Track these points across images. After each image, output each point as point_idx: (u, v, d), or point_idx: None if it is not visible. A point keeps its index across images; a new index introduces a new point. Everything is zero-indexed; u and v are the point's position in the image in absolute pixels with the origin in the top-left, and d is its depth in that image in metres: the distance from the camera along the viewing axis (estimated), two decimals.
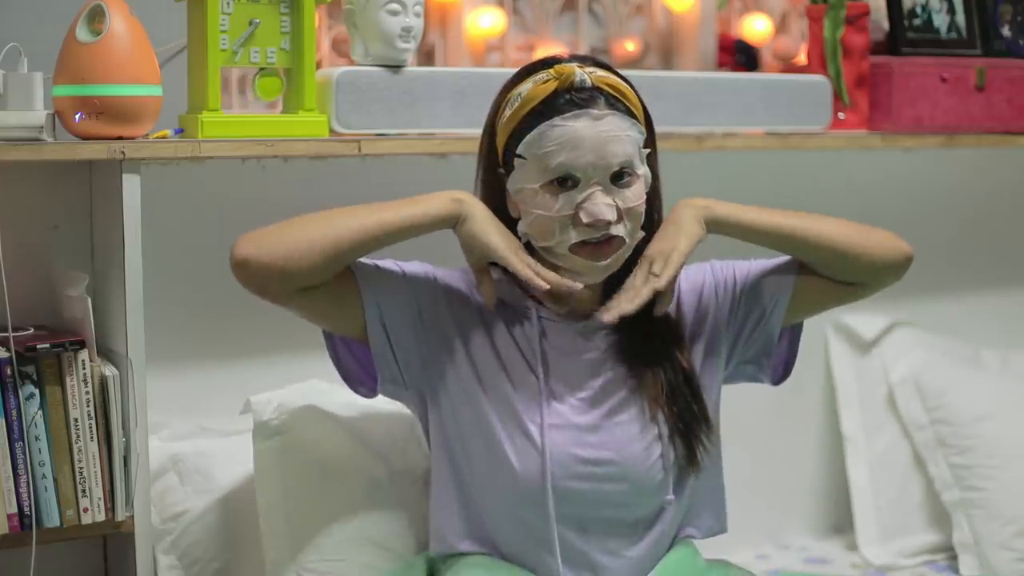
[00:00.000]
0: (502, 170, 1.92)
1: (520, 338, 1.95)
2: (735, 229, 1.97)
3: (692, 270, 2.05)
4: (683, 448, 1.95)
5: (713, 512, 2.05)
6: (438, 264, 2.01)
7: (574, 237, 1.87)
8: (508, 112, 1.91)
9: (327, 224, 1.86)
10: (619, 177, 1.87)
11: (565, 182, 1.86)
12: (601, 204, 1.85)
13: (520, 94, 1.90)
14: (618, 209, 1.86)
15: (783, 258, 2.05)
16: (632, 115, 1.89)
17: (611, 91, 1.88)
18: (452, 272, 2.00)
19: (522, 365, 1.94)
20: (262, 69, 2.12)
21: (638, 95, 1.93)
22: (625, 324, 1.94)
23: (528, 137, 1.87)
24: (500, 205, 1.94)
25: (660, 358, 1.96)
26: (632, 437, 1.93)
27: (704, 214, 1.95)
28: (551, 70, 1.89)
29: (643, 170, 1.90)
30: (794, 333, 2.10)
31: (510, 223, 1.93)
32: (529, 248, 1.93)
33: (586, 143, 1.85)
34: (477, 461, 1.93)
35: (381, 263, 1.95)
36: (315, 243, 1.85)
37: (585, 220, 1.85)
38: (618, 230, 1.87)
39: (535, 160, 1.87)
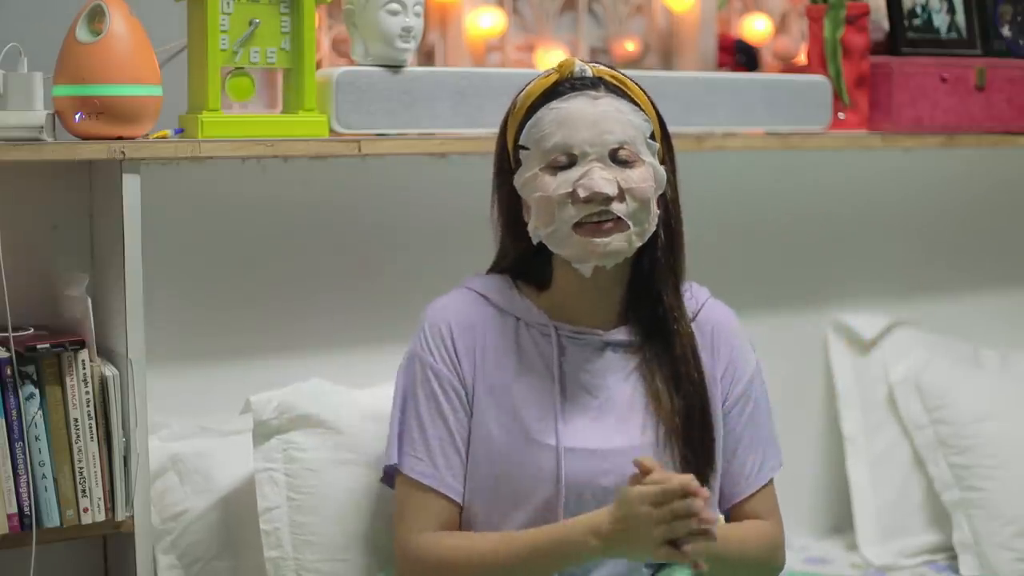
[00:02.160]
0: (514, 173, 1.89)
1: (536, 357, 1.91)
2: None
3: (738, 329, 2.00)
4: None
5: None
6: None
7: (573, 215, 1.82)
8: (513, 111, 1.90)
9: None
10: (619, 157, 1.83)
11: (563, 162, 1.83)
12: (598, 178, 1.81)
13: (524, 93, 1.89)
14: (619, 186, 1.82)
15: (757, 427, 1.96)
16: (635, 104, 1.87)
17: (613, 80, 1.87)
18: (451, 306, 1.93)
19: (537, 385, 1.90)
20: (237, 68, 2.11)
21: (648, 96, 1.90)
22: (647, 345, 1.92)
23: (527, 125, 1.86)
24: (516, 212, 1.91)
25: (680, 385, 1.91)
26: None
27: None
28: (555, 66, 1.89)
29: (651, 160, 1.86)
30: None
31: (527, 230, 1.89)
32: (543, 249, 1.89)
33: (581, 121, 1.82)
34: (490, 477, 1.89)
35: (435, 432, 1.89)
36: None
37: (582, 195, 1.81)
38: (619, 209, 1.82)
39: (535, 146, 1.85)
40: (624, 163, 1.84)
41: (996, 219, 3.08)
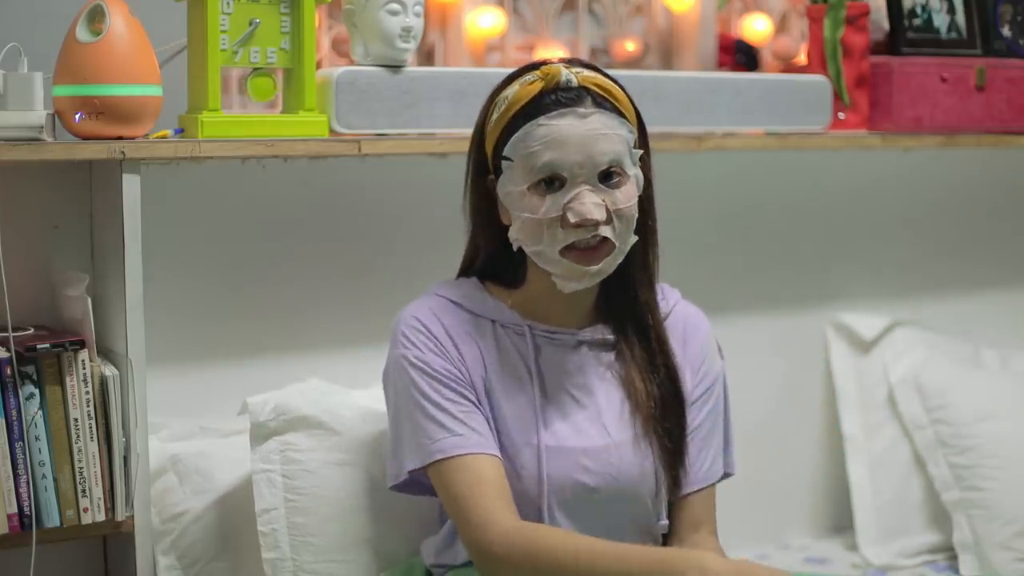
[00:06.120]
0: (492, 177, 1.89)
1: (515, 357, 1.91)
2: None
3: (710, 330, 2.01)
4: (667, 476, 1.92)
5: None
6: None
7: (562, 239, 1.82)
8: (495, 116, 1.87)
9: None
10: (608, 177, 1.83)
11: (552, 183, 1.82)
12: (589, 203, 1.80)
13: (507, 97, 1.86)
14: (607, 209, 1.82)
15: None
16: (621, 115, 1.86)
17: (598, 90, 1.85)
18: (424, 310, 1.92)
19: (517, 386, 1.90)
20: (256, 69, 2.11)
21: (629, 96, 1.89)
22: (622, 341, 1.93)
23: (514, 138, 1.84)
24: (491, 212, 1.90)
25: (656, 374, 1.92)
26: (628, 459, 1.90)
27: None
28: (537, 71, 1.86)
29: (634, 171, 1.86)
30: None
31: (502, 230, 1.90)
32: (521, 253, 1.89)
33: (572, 141, 1.81)
34: None
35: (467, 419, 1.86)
36: None
37: (573, 220, 1.80)
38: (608, 232, 1.82)
39: (521, 161, 1.84)
40: (612, 183, 1.83)
41: (996, 219, 3.08)
